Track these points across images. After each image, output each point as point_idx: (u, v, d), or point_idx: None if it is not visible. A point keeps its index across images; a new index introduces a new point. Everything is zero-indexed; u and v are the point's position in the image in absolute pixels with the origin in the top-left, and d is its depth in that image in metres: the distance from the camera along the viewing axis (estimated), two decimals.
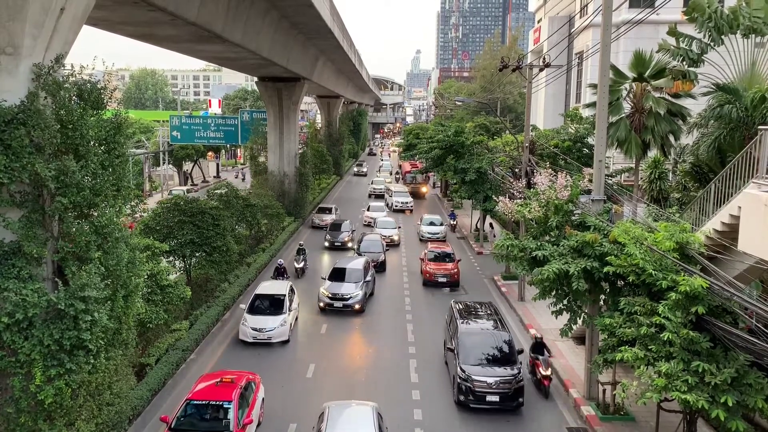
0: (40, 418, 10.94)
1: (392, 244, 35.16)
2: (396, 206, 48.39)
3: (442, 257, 28.40)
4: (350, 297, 23.27)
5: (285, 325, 19.93)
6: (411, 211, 47.65)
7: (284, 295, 20.77)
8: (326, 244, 34.86)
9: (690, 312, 10.98)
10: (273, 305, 20.45)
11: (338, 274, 24.40)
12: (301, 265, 28.07)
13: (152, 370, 15.97)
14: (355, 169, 78.86)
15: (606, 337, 12.82)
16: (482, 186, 32.70)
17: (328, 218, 40.65)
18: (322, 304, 23.44)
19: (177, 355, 17.31)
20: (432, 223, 37.87)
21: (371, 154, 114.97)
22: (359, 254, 29.14)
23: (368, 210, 44.43)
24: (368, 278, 24.82)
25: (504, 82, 76.27)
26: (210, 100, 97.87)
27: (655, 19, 22.49)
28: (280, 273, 25.88)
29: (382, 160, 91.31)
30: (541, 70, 25.43)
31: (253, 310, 20.41)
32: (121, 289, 12.17)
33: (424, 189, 58.37)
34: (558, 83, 41.57)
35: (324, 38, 37.21)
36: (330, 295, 23.34)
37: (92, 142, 11.60)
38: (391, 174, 73.51)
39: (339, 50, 43.38)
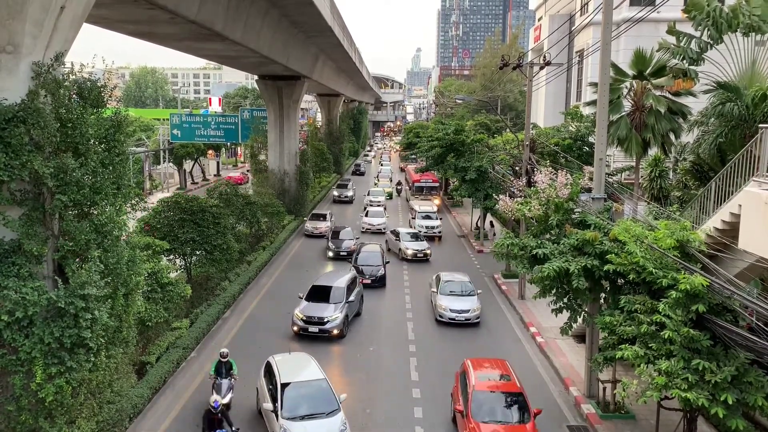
0: (41, 416, 10.95)
1: (423, 260, 31.23)
2: (421, 231, 36.37)
3: (505, 406, 13.50)
4: (327, 321, 19.96)
5: None
6: (440, 238, 37.51)
7: (328, 383, 14.03)
8: (330, 254, 31.52)
9: (690, 310, 10.97)
10: (315, 402, 13.44)
11: (317, 294, 21.15)
12: (227, 399, 14.28)
13: (153, 369, 15.98)
14: (336, 193, 54.05)
15: (606, 335, 12.82)
16: (482, 184, 32.68)
17: (323, 226, 37.02)
18: (296, 328, 20.23)
19: (177, 354, 17.31)
20: (458, 292, 22.76)
21: (357, 172, 76.52)
22: (356, 267, 26.42)
23: (366, 215, 40.22)
24: (352, 298, 21.49)
25: (504, 80, 76.25)
26: (210, 99, 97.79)
27: (656, 17, 22.48)
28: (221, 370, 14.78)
29: (381, 164, 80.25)
30: (541, 68, 25.41)
31: (293, 407, 13.14)
32: (121, 287, 12.19)
33: (437, 201, 46.47)
34: (558, 81, 41.56)
35: (324, 36, 37.19)
36: (304, 318, 20.10)
37: (92, 141, 11.61)
38: (391, 181, 62.38)
39: (339, 48, 43.34)
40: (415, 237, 32.95)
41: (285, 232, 35.07)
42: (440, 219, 39.74)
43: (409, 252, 31.47)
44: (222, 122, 49.66)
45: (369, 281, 25.97)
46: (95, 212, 11.60)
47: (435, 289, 23.26)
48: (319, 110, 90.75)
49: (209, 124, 49.37)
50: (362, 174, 75.71)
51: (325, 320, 20.03)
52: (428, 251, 31.60)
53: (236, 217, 27.41)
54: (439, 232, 37.78)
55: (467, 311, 21.83)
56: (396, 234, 33.43)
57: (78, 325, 10.57)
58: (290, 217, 38.07)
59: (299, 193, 42.14)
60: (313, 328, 20.00)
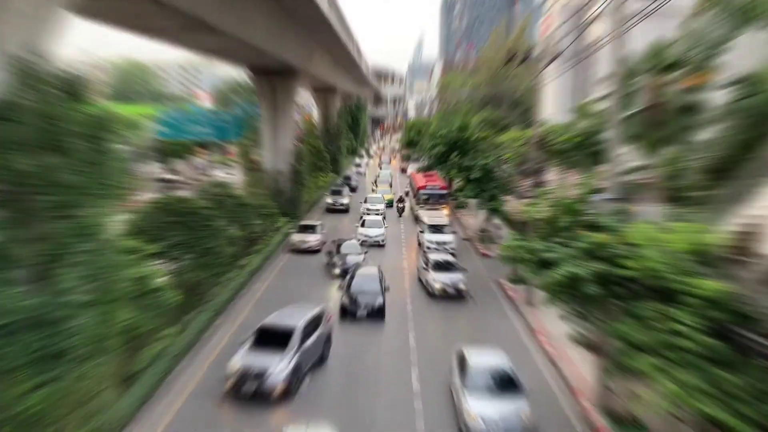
0: (24, 428, 10.94)
1: (457, 296, 26.00)
2: (431, 245, 32.99)
3: None
4: (267, 375, 15.89)
5: None
6: (453, 256, 30.80)
7: None
8: (337, 271, 28.76)
9: (709, 318, 10.97)
10: None
11: (265, 337, 17.17)
12: None
13: (141, 378, 16.00)
14: (329, 200, 50.34)
15: (618, 343, 12.83)
16: (488, 184, 32.67)
17: (313, 239, 34.10)
18: (228, 384, 16.17)
19: (166, 363, 17.33)
20: (494, 387, 15.44)
21: (348, 185, 62.83)
22: (349, 295, 23.38)
23: (363, 225, 37.50)
24: (309, 343, 17.62)
25: (511, 75, 76.26)
26: (200, 94, 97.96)
27: (671, 7, 22.51)
28: None
29: (380, 168, 78.30)
30: (548, 63, 25.47)
31: None
32: (107, 293, 12.18)
33: (445, 212, 40.97)
34: (569, 76, 41.61)
35: (321, 29, 37.29)
36: (241, 371, 16.06)
37: (76, 138, 11.60)
38: (391, 186, 58.79)
39: (336, 41, 43.44)
40: (449, 265, 27.16)
41: (279, 235, 35.08)
42: (454, 233, 35.23)
43: (437, 286, 25.68)
44: (212, 119, 49.58)
45: (364, 313, 22.99)
46: (80, 214, 11.60)
47: (458, 380, 16.01)
48: (315, 106, 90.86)
49: (199, 121, 49.27)
50: (354, 189, 63.09)
51: (266, 374, 15.91)
52: (463, 286, 25.83)
53: (229, 219, 27.39)
54: (453, 249, 32.85)
55: (511, 420, 14.51)
56: (426, 261, 27.88)
57: (62, 333, 10.57)
58: (284, 219, 38.05)
59: (294, 193, 42.14)
60: (250, 385, 15.90)
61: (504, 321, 23.64)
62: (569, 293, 14.67)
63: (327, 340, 19.41)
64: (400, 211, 48.49)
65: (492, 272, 30.32)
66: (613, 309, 15.10)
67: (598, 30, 38.10)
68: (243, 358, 16.48)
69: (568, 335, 15.93)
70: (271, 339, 16.99)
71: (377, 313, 23.00)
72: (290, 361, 16.40)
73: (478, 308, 24.76)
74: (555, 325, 20.79)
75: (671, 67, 19.91)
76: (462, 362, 16.47)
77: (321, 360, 18.70)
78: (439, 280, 25.92)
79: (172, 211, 22.17)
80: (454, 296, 25.77)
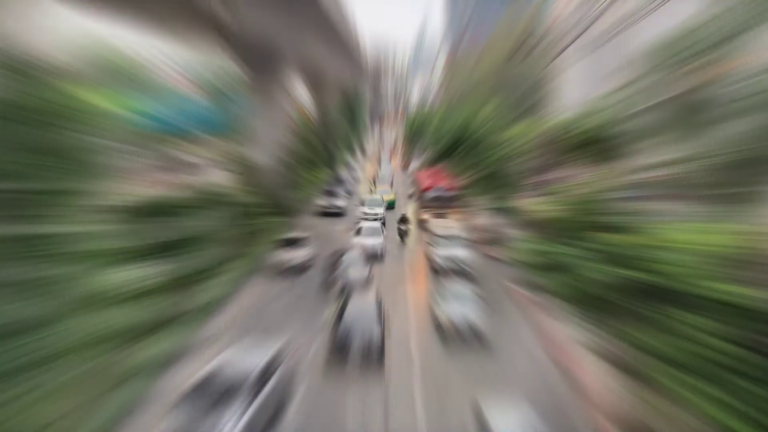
0: None
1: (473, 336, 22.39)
2: (442, 261, 30.00)
3: None
4: None
5: None
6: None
7: None
8: (338, 288, 26.87)
9: (737, 325, 10.88)
10: None
11: (208, 390, 14.28)
12: None
13: (124, 388, 15.89)
14: (323, 202, 46.96)
15: (637, 352, 12.73)
16: (496, 182, 32.58)
17: (301, 255, 30.76)
18: None
19: (151, 374, 17.25)
20: None
21: (344, 186, 56.76)
22: (338, 327, 20.40)
23: (358, 233, 34.85)
24: (266, 391, 15.24)
25: (522, 62, 76.32)
26: (183, 82, 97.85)
27: None
28: None
29: (380, 166, 77.32)
30: (561, 51, 25.35)
31: None
32: (85, 299, 12.08)
33: (455, 219, 38.11)
34: (583, 64, 41.56)
35: (316, 12, 37.14)
36: None
37: (43, 129, 11.49)
38: (392, 187, 55.47)
39: (333, 27, 43.32)
40: (466, 295, 23.45)
41: (271, 236, 34.93)
42: (469, 242, 31.89)
43: (444, 320, 22.56)
44: (196, 109, 49.65)
45: (358, 353, 20.07)
46: (54, 213, 11.50)
47: None
48: (309, 98, 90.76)
49: (183, 112, 49.34)
50: (350, 194, 57.26)
51: None
52: (479, 323, 22.20)
53: (220, 220, 27.29)
54: (470, 267, 29.62)
55: None
56: (436, 287, 24.78)
57: (41, 341, 10.49)
58: (277, 219, 37.90)
59: (286, 191, 41.95)
60: None
61: (511, 327, 23.49)
62: (585, 299, 14.58)
63: (288, 382, 17.12)
64: (403, 235, 39.13)
65: (500, 275, 30.19)
66: (632, 317, 15.03)
67: (615, 14, 38.02)
68: (176, 421, 13.36)
69: (583, 344, 15.82)
70: (217, 391, 14.28)
71: (375, 354, 20.11)
72: (240, 420, 13.75)
73: (486, 315, 24.62)
74: (568, 331, 20.69)
75: (697, 54, 19.82)
76: (482, 424, 14.30)
77: (280, 408, 16.40)
78: (447, 315, 22.48)
79: (159, 210, 22.14)
80: (468, 337, 22.23)
